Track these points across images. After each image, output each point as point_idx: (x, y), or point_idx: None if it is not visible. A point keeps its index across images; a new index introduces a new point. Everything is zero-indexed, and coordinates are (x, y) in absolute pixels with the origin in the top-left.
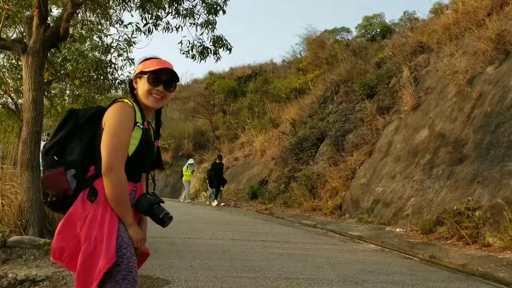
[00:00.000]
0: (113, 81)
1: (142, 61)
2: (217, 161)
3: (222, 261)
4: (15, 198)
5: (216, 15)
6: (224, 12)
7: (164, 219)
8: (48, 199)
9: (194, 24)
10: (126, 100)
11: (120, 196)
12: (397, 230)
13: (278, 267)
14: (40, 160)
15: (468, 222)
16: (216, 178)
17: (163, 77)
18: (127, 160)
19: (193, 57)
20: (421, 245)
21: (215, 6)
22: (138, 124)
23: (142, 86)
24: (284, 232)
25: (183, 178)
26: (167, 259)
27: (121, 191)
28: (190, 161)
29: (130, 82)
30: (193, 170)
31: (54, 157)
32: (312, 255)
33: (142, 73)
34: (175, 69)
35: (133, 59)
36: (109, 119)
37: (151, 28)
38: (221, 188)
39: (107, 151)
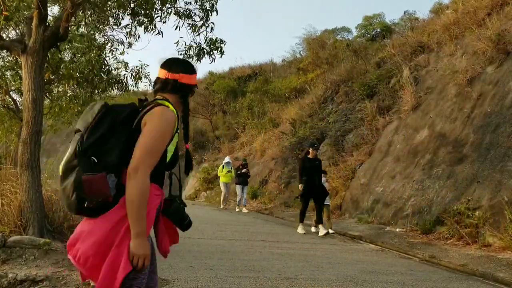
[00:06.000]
0: (108, 81)
1: (195, 72)
2: (309, 155)
3: (222, 261)
4: (15, 198)
5: (207, 18)
6: (216, 12)
7: (189, 225)
8: (85, 205)
9: (193, 25)
10: (167, 104)
11: (138, 199)
12: (397, 230)
13: (278, 267)
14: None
15: (468, 222)
16: (314, 184)
17: None
18: (164, 165)
19: (190, 57)
20: (421, 245)
21: (207, 8)
22: (178, 130)
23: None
24: (284, 232)
25: (220, 180)
26: (167, 259)
27: (141, 194)
28: (226, 159)
29: (176, 82)
30: (230, 170)
31: (93, 158)
32: (312, 255)
33: (194, 86)
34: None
35: (127, 62)
36: (151, 120)
37: (147, 25)
38: (326, 202)
39: (139, 152)
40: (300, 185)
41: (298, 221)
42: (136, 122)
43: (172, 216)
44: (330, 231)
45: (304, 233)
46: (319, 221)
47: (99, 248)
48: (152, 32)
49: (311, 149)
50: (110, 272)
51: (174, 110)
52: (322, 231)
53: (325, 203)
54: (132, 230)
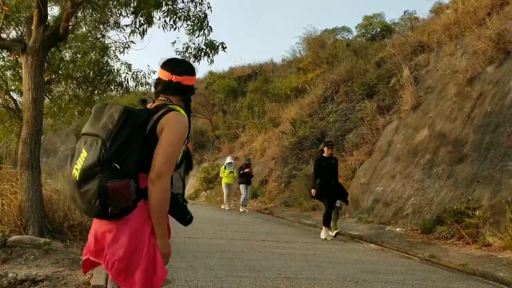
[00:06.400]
0: (108, 82)
1: (196, 73)
2: (323, 153)
3: (222, 260)
4: (15, 198)
5: (202, 26)
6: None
7: (190, 221)
8: (109, 211)
9: (191, 26)
10: (178, 109)
11: (163, 204)
12: (397, 229)
13: (278, 267)
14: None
15: (468, 222)
16: (330, 184)
17: None
18: (176, 166)
19: (187, 58)
20: (421, 245)
21: (201, 18)
22: (189, 133)
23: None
24: (284, 232)
25: (222, 180)
26: None
27: (165, 199)
28: (228, 159)
29: (179, 84)
30: (232, 171)
31: (116, 165)
32: (312, 254)
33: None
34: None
35: (131, 64)
36: (168, 127)
37: (145, 28)
38: (337, 204)
39: (161, 158)
40: (312, 190)
41: (322, 225)
42: (150, 127)
43: (175, 213)
44: (332, 233)
45: (325, 239)
46: (327, 224)
47: (125, 252)
48: (166, 28)
49: (325, 147)
50: (146, 279)
51: (185, 114)
52: (323, 234)
53: (336, 204)
54: (157, 232)
